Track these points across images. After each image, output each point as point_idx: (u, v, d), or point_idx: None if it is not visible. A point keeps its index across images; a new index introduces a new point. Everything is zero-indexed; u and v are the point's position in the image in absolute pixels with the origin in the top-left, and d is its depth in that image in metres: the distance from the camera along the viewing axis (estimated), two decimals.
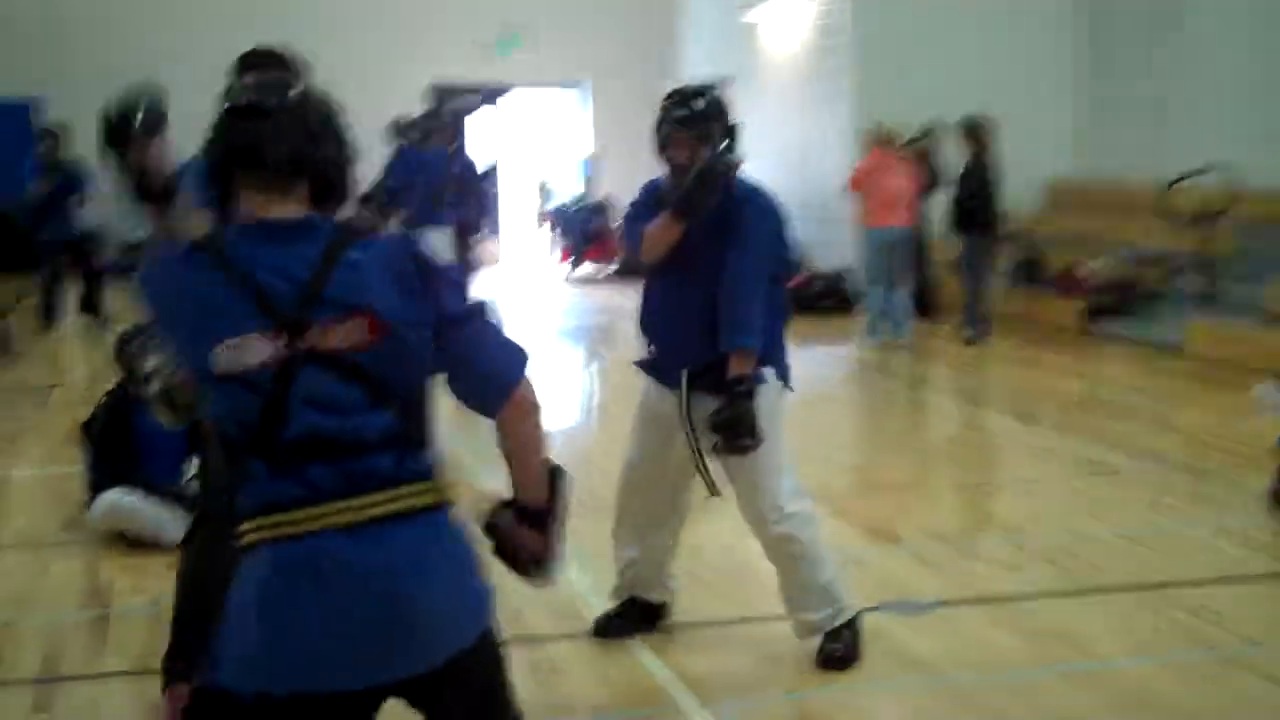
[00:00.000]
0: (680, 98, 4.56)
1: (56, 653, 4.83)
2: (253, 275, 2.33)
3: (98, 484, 6.12)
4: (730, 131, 4.56)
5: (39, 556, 5.94)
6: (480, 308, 2.56)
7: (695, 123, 4.48)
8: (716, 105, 4.57)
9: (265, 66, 3.84)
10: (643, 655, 4.75)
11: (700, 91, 4.62)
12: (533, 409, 2.57)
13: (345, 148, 2.50)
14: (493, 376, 2.53)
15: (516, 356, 2.56)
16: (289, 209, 2.42)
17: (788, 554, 4.57)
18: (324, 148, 2.45)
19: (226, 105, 2.47)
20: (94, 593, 5.52)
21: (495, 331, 2.57)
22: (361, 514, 2.35)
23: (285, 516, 2.34)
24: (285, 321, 2.33)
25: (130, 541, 5.95)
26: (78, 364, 11.40)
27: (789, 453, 4.61)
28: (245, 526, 2.37)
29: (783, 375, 4.62)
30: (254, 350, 2.32)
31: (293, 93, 2.48)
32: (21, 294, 13.36)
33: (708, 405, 4.44)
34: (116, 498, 6.00)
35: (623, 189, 18.63)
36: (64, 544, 6.11)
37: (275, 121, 2.41)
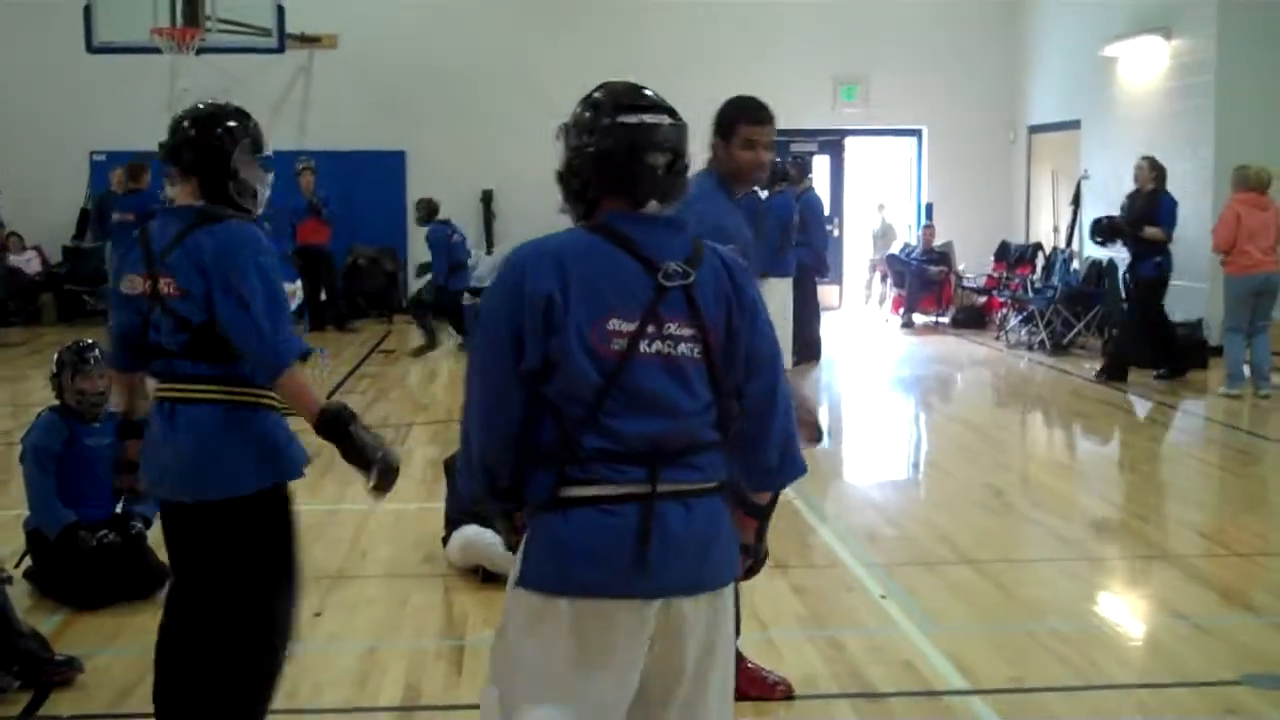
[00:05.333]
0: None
1: (416, 681, 5.10)
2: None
3: (455, 519, 6.41)
4: None
5: (401, 587, 6.28)
6: None
7: None
8: None
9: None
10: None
11: None
12: None
13: None
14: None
15: None
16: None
17: None
18: None
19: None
20: (450, 624, 5.81)
21: None
22: None
23: None
24: None
25: (485, 575, 6.15)
26: (438, 401, 11.99)
27: None
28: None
29: None
30: None
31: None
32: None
33: None
34: (474, 533, 6.22)
35: (960, 236, 18.42)
36: (423, 576, 6.43)
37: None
